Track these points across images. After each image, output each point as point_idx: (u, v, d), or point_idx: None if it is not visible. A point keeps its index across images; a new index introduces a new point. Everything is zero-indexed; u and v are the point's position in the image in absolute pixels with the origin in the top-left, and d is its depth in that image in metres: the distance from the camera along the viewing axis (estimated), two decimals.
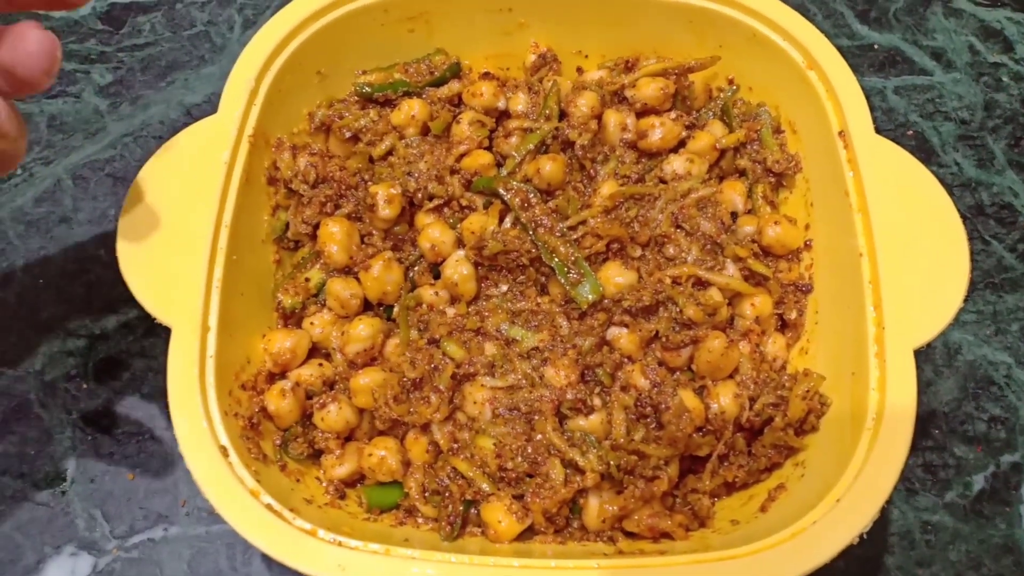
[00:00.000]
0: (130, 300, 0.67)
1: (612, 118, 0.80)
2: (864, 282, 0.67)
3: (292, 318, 0.76)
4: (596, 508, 0.66)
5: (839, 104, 0.73)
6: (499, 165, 0.80)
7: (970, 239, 0.68)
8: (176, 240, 0.68)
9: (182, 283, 0.67)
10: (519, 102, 0.82)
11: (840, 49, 0.76)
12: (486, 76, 0.84)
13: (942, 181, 0.70)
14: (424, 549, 0.60)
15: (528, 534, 0.67)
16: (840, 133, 0.73)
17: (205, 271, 0.67)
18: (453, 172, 0.79)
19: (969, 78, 1.02)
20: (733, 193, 0.78)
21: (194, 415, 0.63)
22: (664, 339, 0.71)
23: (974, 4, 1.07)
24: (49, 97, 0.99)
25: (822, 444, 0.68)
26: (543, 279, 0.75)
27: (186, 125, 0.73)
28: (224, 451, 0.62)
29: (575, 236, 0.74)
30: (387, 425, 0.71)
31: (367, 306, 0.77)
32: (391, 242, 0.78)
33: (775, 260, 0.78)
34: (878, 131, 0.72)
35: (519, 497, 0.67)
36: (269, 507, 0.60)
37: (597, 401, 0.70)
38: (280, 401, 0.70)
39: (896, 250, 0.67)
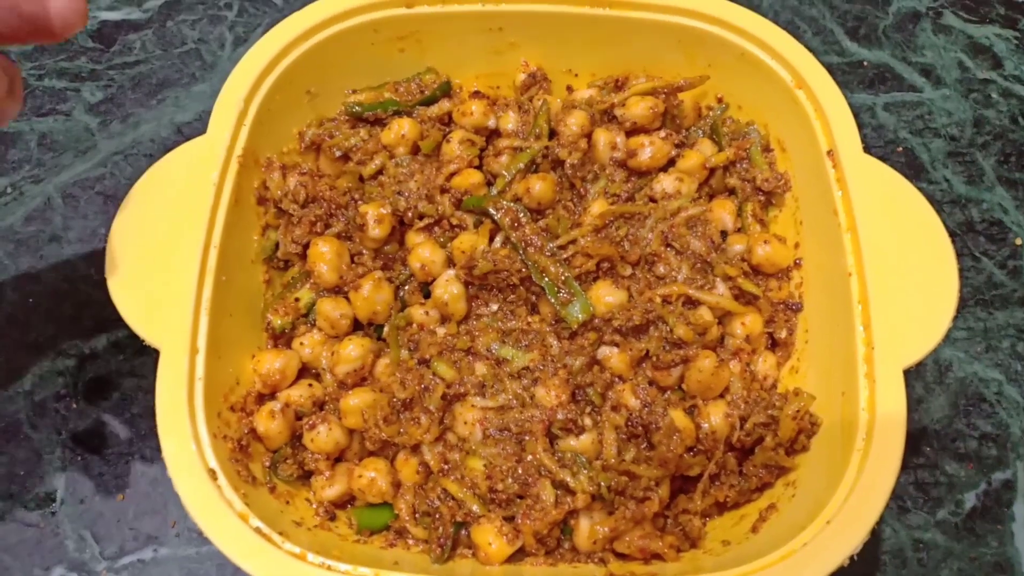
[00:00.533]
0: (120, 319, 0.66)
1: (602, 137, 0.80)
2: (853, 301, 0.67)
3: (282, 338, 0.76)
4: (587, 529, 0.66)
5: (827, 123, 0.74)
6: (489, 184, 0.80)
7: (960, 256, 0.68)
8: (165, 261, 0.68)
9: (171, 304, 0.67)
10: (509, 121, 0.82)
11: (830, 66, 0.77)
12: (476, 95, 0.84)
13: (931, 198, 0.70)
14: (414, 572, 0.60)
15: (519, 556, 0.67)
16: (829, 152, 0.73)
17: (194, 292, 0.67)
18: (443, 191, 0.78)
19: (958, 94, 1.02)
20: (723, 212, 0.78)
21: (182, 438, 0.63)
22: (655, 358, 0.71)
23: (963, 20, 1.08)
24: (39, 115, 0.99)
25: (813, 464, 0.68)
26: (533, 298, 0.75)
27: (177, 143, 0.74)
28: (213, 474, 0.62)
29: (565, 255, 0.74)
30: (377, 446, 0.71)
31: (357, 326, 0.76)
32: (381, 262, 0.78)
33: (765, 279, 0.78)
34: (868, 148, 0.72)
35: (510, 519, 0.67)
36: (258, 531, 0.60)
37: (588, 421, 0.70)
38: (269, 422, 0.70)
39: (885, 270, 0.67)
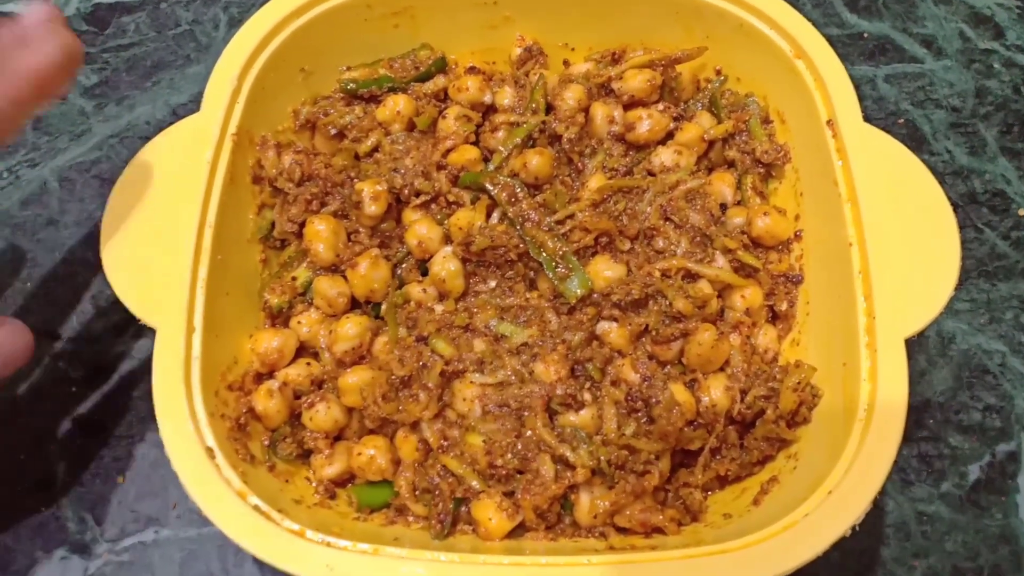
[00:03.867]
0: (118, 302, 0.66)
1: (599, 111, 0.79)
2: (854, 272, 0.66)
3: (279, 317, 0.76)
4: (587, 504, 0.66)
5: (827, 93, 0.73)
6: (486, 160, 0.80)
7: (963, 227, 0.67)
8: (160, 240, 0.68)
9: (167, 284, 0.66)
10: (505, 96, 0.81)
11: (830, 38, 0.76)
12: (472, 70, 0.83)
13: (934, 169, 0.69)
14: (414, 548, 0.59)
15: (520, 531, 0.67)
16: (828, 122, 0.72)
17: (190, 271, 0.67)
18: (440, 168, 0.78)
19: (960, 65, 1.01)
20: (722, 184, 0.78)
21: (180, 417, 0.62)
22: (654, 333, 0.71)
23: None
24: None
25: (814, 436, 0.68)
26: (531, 274, 0.74)
27: (172, 125, 0.73)
28: (211, 453, 0.62)
29: (563, 230, 0.73)
30: (376, 424, 0.70)
31: (354, 304, 0.76)
32: (378, 239, 0.77)
33: (765, 251, 0.77)
34: (869, 120, 0.71)
35: (510, 494, 0.66)
36: (256, 508, 0.60)
37: (587, 396, 0.69)
38: (268, 401, 0.69)
39: (886, 239, 0.66)
